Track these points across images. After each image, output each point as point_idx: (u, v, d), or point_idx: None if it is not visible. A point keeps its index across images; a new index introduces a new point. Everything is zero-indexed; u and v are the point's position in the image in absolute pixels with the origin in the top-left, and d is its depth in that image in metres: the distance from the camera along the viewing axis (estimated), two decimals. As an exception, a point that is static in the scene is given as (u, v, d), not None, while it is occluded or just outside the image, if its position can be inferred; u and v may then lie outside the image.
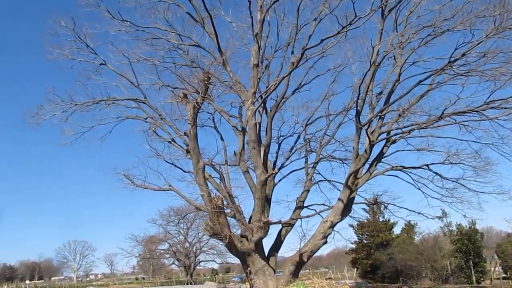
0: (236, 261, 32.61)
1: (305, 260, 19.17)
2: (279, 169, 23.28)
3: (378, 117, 19.49)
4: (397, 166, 21.01)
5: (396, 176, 21.97)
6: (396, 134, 19.81)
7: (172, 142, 21.18)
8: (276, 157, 24.13)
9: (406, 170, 21.28)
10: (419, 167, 21.10)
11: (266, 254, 20.22)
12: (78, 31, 19.70)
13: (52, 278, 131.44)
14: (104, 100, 21.18)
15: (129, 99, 21.46)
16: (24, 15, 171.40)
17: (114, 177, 21.77)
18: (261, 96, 20.39)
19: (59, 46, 20.14)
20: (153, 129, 21.22)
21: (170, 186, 20.85)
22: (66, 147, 22.12)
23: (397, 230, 48.44)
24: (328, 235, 19.07)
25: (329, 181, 24.76)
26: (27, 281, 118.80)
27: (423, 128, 18.03)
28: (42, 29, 21.63)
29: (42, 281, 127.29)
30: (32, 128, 21.51)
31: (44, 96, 21.28)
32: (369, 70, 17.56)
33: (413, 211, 23.05)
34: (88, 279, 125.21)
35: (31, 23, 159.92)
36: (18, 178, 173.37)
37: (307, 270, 62.52)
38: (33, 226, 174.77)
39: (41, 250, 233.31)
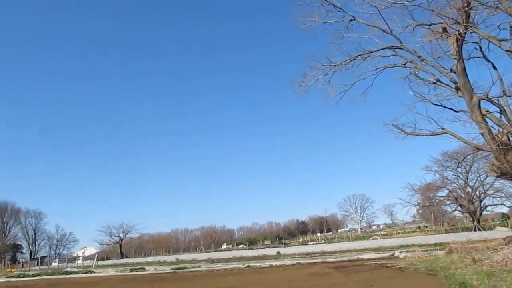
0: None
1: None
2: None
3: None
4: None
5: None
6: None
7: (438, 83, 19.93)
8: None
9: None
10: None
11: None
12: (323, -7, 20.43)
13: (339, 230, 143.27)
14: (360, 55, 21.43)
15: (384, 48, 21.14)
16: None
17: (383, 128, 21.98)
18: (539, 8, 17.12)
19: (310, 14, 21.37)
20: (414, 73, 20.46)
21: (443, 129, 19.81)
22: (332, 107, 23.36)
23: None
24: None
25: None
26: (318, 234, 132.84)
27: None
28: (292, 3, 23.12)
29: (331, 233, 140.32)
30: (300, 96, 23.43)
31: (306, 65, 22.91)
32: None
33: None
34: (371, 230, 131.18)
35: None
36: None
37: None
38: (319, 184, 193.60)
39: (326, 205, 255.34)
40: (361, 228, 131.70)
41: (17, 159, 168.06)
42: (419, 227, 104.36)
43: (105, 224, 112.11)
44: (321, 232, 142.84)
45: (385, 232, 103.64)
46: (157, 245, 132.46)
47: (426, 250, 27.80)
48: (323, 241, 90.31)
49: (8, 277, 37.68)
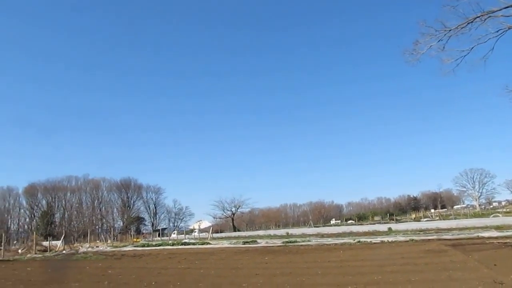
0: None
1: None
2: None
3: None
4: None
5: None
6: None
7: None
8: None
9: None
10: None
11: None
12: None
13: (455, 207, 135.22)
14: (478, 17, 19.66)
15: (507, 7, 19.13)
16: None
17: (507, 96, 20.13)
18: None
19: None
20: (547, 31, 18.31)
21: None
22: (448, 76, 21.83)
23: None
24: None
25: None
26: (432, 210, 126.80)
27: None
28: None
29: (445, 209, 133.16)
30: (412, 65, 22.18)
31: (418, 31, 21.61)
32: None
33: None
34: (491, 206, 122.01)
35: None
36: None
37: None
38: (431, 158, 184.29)
39: (440, 180, 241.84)
40: (479, 205, 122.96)
41: (138, 140, 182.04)
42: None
43: (218, 199, 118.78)
44: (434, 209, 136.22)
45: (508, 209, 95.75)
46: (267, 219, 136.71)
47: (559, 229, 25.31)
48: (437, 218, 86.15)
49: (134, 246, 41.57)
